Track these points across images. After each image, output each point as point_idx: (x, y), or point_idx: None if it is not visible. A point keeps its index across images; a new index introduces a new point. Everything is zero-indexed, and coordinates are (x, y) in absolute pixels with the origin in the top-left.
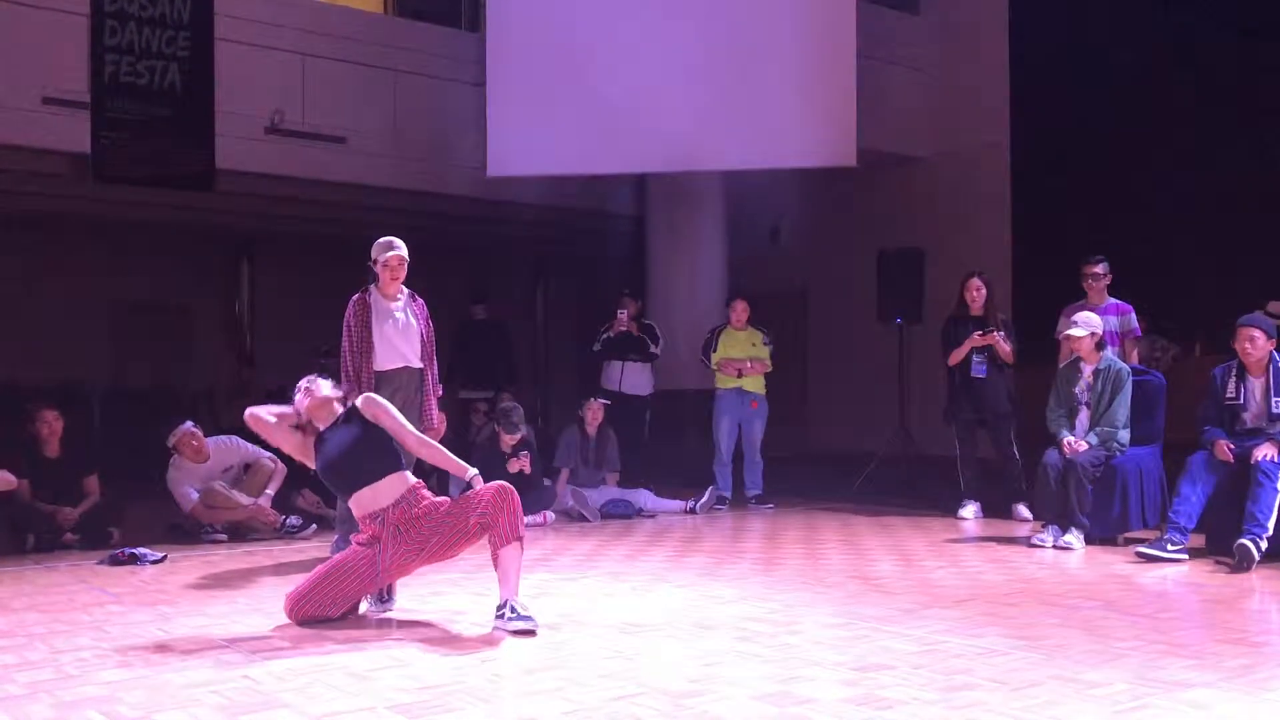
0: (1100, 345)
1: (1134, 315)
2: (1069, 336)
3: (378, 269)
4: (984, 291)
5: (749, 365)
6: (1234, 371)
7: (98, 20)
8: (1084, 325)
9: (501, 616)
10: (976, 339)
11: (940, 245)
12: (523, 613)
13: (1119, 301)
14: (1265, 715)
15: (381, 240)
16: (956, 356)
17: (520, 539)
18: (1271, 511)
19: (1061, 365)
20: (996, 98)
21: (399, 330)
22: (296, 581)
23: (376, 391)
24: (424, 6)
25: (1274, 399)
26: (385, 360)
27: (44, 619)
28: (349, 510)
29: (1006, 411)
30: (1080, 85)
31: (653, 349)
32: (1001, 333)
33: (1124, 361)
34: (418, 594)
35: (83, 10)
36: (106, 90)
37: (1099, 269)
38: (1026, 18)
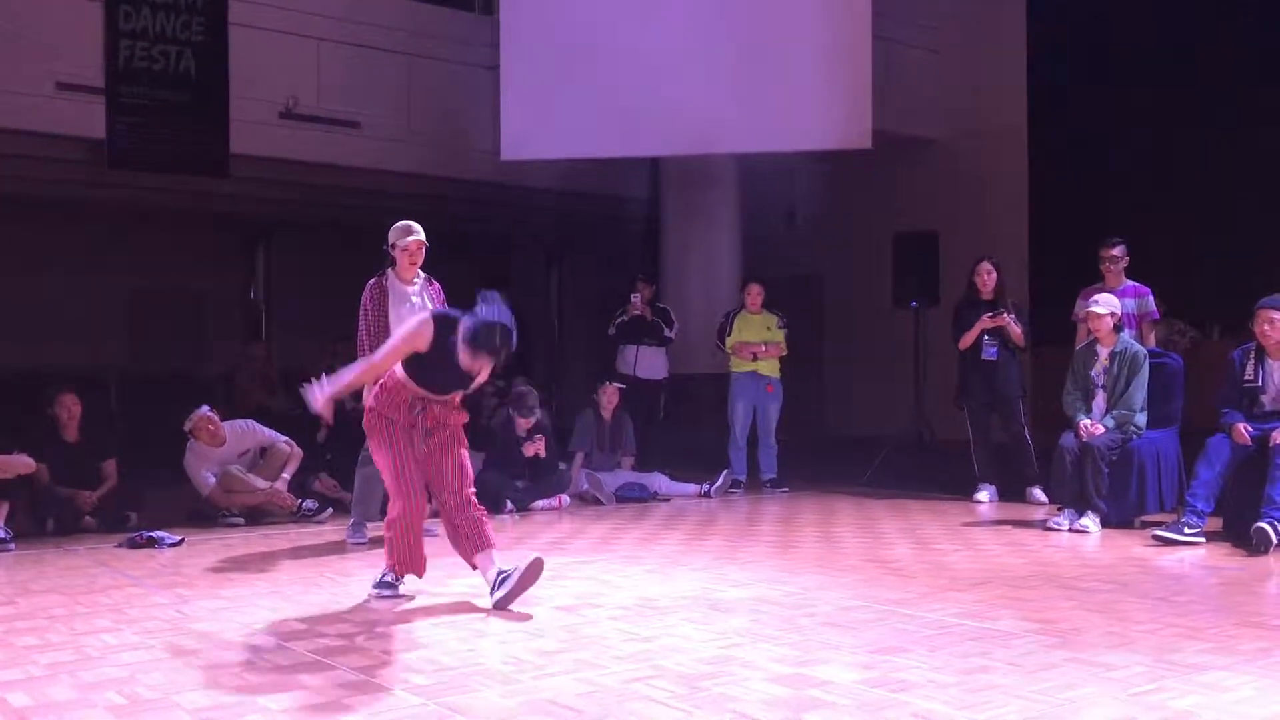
0: (1118, 328)
1: (1152, 298)
2: (1091, 314)
3: (396, 253)
4: (994, 275)
5: (764, 349)
6: (1252, 354)
7: (111, 6)
8: (1105, 305)
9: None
10: (986, 321)
11: (956, 228)
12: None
13: (1137, 284)
14: None
15: (399, 224)
16: (967, 340)
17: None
18: None
19: (1078, 348)
20: (1014, 79)
21: (415, 314)
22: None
23: None
24: None
25: None
26: None
27: (64, 601)
28: (365, 492)
29: (1017, 394)
30: (1099, 67)
31: (667, 333)
32: (1011, 315)
33: (1141, 344)
34: (434, 576)
35: None
36: (121, 76)
37: (1116, 251)
38: None
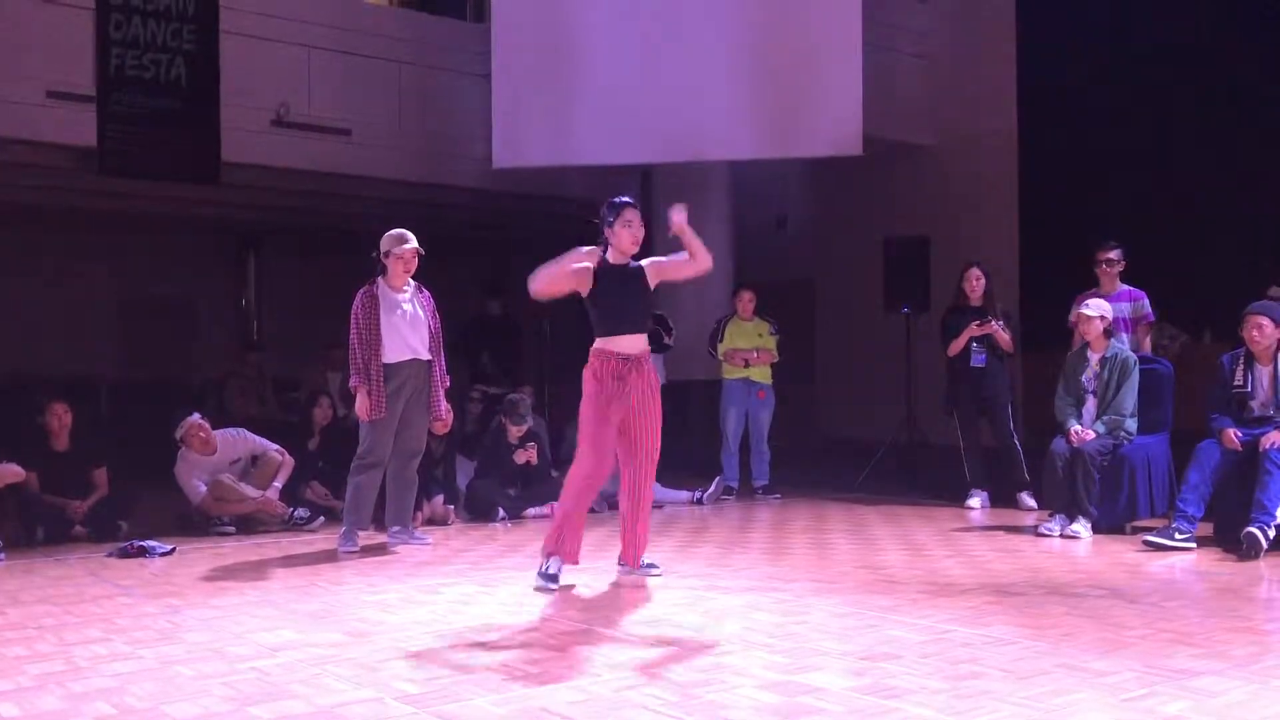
0: (1108, 333)
1: (1147, 301)
2: (1081, 316)
3: (389, 261)
4: (983, 281)
5: (755, 355)
6: (1242, 359)
7: (103, 14)
8: (1095, 309)
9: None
10: (974, 329)
11: (947, 233)
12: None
13: (1132, 288)
14: (1273, 703)
15: (394, 232)
16: (955, 347)
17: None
18: (1279, 499)
19: (1070, 353)
20: (1004, 84)
21: (407, 322)
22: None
23: (385, 384)
24: None
25: None
26: (393, 353)
27: (54, 611)
28: (357, 501)
29: (1006, 400)
30: (1088, 71)
31: (666, 340)
32: (1000, 322)
33: (1139, 348)
34: (426, 584)
35: (88, 4)
36: (112, 84)
37: (1113, 255)
38: (1034, 3)
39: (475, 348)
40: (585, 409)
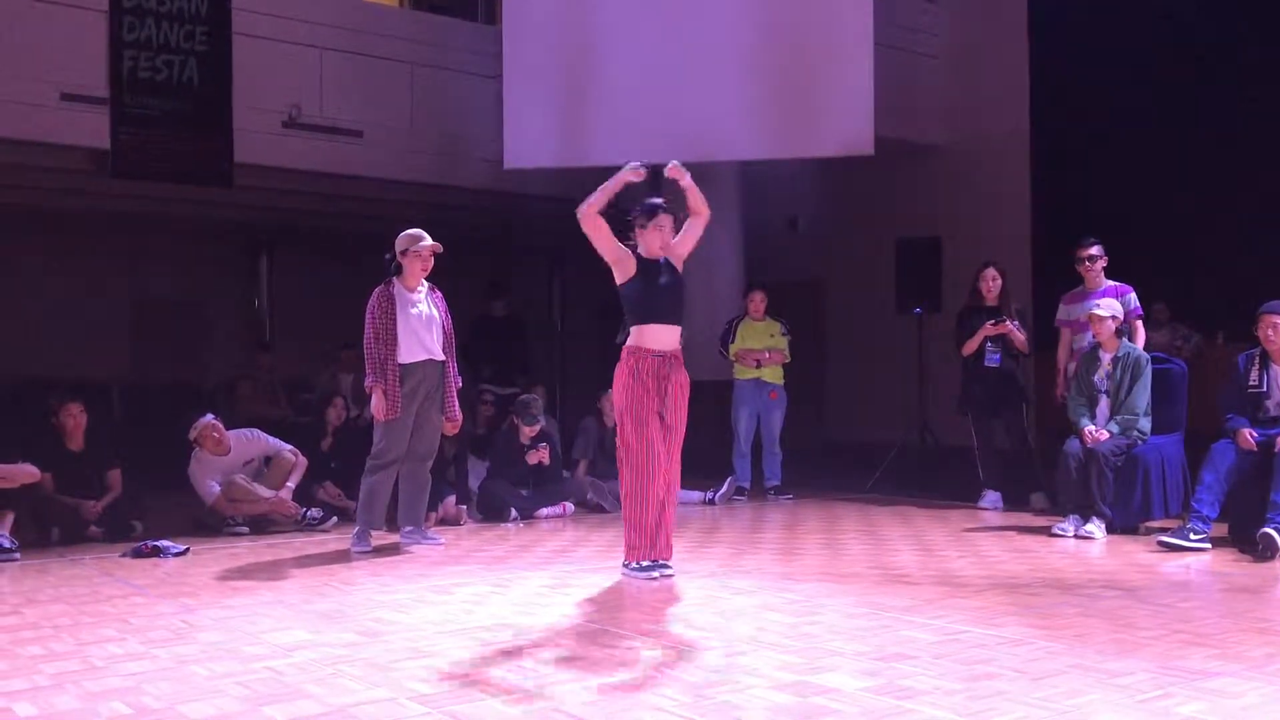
0: (1120, 332)
1: (1133, 295)
2: (1094, 316)
3: (406, 260)
4: (999, 282)
5: (767, 356)
6: (1257, 359)
7: (116, 16)
8: (1107, 309)
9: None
10: (989, 329)
11: (959, 234)
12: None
13: (1117, 284)
14: None
15: (411, 231)
16: (970, 347)
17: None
18: None
19: (1081, 353)
20: (1016, 84)
21: (422, 322)
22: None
23: (401, 384)
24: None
25: None
26: (409, 353)
27: (69, 611)
28: (370, 501)
29: (1020, 400)
30: (1101, 71)
31: None
32: (1015, 322)
33: (1132, 342)
34: (438, 584)
35: (101, 6)
36: (125, 86)
37: (1094, 250)
38: (1046, 3)
39: (478, 349)
40: (625, 418)
